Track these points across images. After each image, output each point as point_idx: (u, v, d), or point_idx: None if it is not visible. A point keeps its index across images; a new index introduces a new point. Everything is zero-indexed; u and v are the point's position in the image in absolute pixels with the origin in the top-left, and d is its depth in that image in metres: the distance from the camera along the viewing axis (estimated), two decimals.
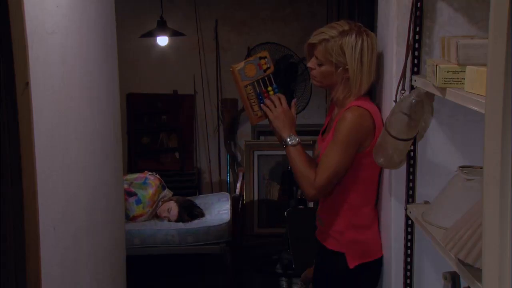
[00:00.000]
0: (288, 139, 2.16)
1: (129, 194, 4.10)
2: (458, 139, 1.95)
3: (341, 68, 2.10)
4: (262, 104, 2.23)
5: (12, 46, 1.39)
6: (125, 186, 4.04)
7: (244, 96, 2.23)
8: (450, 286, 1.59)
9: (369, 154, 2.02)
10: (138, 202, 4.12)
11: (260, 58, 2.26)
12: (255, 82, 2.24)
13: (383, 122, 2.06)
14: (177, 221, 4.09)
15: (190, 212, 4.18)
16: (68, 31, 1.89)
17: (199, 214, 4.21)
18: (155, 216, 4.21)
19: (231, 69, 2.23)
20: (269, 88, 2.25)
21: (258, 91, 2.24)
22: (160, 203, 4.22)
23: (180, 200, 4.26)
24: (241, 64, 2.23)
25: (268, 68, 2.26)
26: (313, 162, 2.19)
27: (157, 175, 4.40)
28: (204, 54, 5.30)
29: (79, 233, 1.98)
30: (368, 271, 2.21)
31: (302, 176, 2.12)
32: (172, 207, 4.14)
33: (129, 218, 4.05)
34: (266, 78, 2.26)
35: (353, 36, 2.07)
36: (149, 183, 4.24)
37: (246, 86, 2.23)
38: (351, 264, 2.16)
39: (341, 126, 2.07)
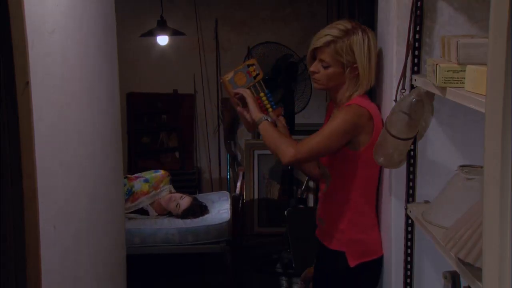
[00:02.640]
0: (261, 117, 2.18)
1: (139, 178, 4.36)
2: (458, 138, 1.95)
3: (349, 68, 2.10)
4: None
5: (12, 46, 1.39)
6: (136, 174, 4.43)
7: (237, 106, 2.27)
8: (450, 285, 1.59)
9: (368, 153, 2.02)
10: (146, 181, 4.31)
11: (249, 65, 2.29)
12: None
13: (382, 122, 2.06)
14: (183, 211, 4.13)
15: (200, 210, 4.23)
16: (68, 31, 1.89)
17: (204, 212, 4.24)
18: (156, 207, 4.22)
19: (221, 80, 2.28)
20: (261, 94, 2.29)
21: None
22: (164, 193, 4.28)
23: (194, 197, 4.37)
24: (231, 74, 2.27)
25: (257, 74, 2.30)
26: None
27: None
28: (204, 53, 5.30)
29: (79, 232, 1.98)
30: (368, 271, 2.21)
31: (280, 140, 2.12)
32: (186, 197, 4.21)
33: (131, 194, 4.16)
34: (257, 84, 2.29)
35: (360, 34, 2.07)
36: (159, 171, 4.47)
37: (238, 96, 2.26)
38: (352, 263, 2.16)
39: (336, 115, 2.09)
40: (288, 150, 2.08)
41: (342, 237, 2.19)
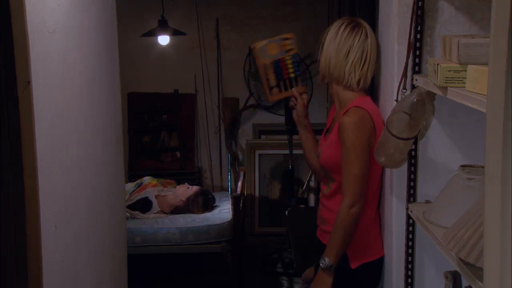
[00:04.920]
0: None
1: None
2: (459, 138, 1.95)
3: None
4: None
5: (13, 45, 1.39)
6: None
7: (263, 74, 2.26)
8: (451, 285, 1.59)
9: (373, 155, 2.01)
10: (156, 176, 4.60)
11: (285, 39, 2.28)
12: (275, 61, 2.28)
13: (383, 122, 2.06)
14: (195, 193, 4.21)
15: (211, 195, 4.35)
16: (69, 30, 1.89)
17: (209, 207, 4.27)
18: (161, 203, 4.24)
19: (253, 47, 2.26)
20: (287, 57, 2.26)
21: (278, 69, 2.27)
22: (169, 193, 4.38)
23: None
24: (264, 42, 2.26)
25: (291, 49, 2.27)
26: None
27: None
28: (205, 53, 5.30)
29: (80, 231, 1.98)
30: (369, 271, 2.21)
31: (345, 229, 2.09)
32: (193, 187, 4.32)
33: (140, 186, 4.40)
34: (288, 56, 2.28)
35: (341, 23, 2.13)
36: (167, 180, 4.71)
37: (265, 64, 2.25)
38: (353, 264, 2.16)
39: (344, 134, 2.06)
40: (346, 211, 2.06)
41: None
